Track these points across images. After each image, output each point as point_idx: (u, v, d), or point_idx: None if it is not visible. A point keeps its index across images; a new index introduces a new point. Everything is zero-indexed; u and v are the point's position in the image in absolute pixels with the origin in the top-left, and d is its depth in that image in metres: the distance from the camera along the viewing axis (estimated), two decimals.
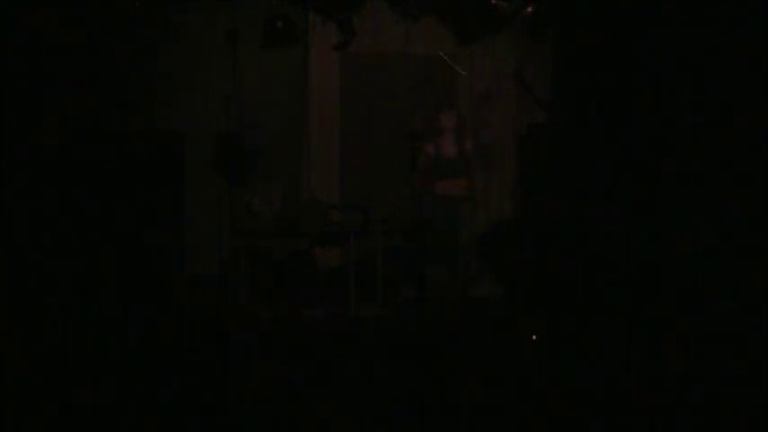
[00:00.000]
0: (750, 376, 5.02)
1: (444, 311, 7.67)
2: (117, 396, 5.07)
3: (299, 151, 8.86)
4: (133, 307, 6.82)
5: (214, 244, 8.10)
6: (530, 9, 7.43)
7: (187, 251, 7.95)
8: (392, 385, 5.48)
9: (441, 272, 8.33)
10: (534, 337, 6.32)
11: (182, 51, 8.46)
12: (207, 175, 8.30)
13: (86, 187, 6.83)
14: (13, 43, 5.94)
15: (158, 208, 7.66)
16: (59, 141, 6.49)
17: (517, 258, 8.00)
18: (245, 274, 7.90)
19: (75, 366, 5.47)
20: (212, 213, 8.31)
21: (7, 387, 5.02)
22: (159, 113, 8.31)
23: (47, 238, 6.22)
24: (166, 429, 4.77)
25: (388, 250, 7.93)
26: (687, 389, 5.10)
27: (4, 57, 5.86)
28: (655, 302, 6.33)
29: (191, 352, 6.06)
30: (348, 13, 7.89)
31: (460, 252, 8.66)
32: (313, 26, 8.68)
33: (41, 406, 4.83)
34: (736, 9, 5.68)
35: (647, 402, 4.96)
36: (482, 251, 8.42)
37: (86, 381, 5.27)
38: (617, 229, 7.11)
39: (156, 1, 7.77)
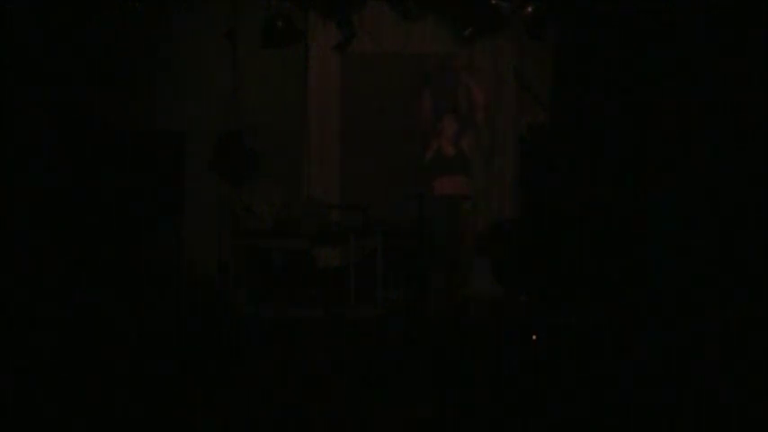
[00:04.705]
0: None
1: (444, 311, 7.67)
2: (117, 394, 5.07)
3: (300, 151, 8.86)
4: (133, 306, 6.83)
5: (214, 244, 8.11)
6: (529, 9, 7.43)
7: (187, 251, 7.97)
8: (392, 385, 5.49)
9: (441, 272, 8.33)
10: (534, 337, 6.32)
11: (182, 51, 8.46)
12: (207, 175, 8.32)
13: (87, 188, 6.84)
14: (12, 44, 5.95)
15: (159, 208, 7.68)
16: (60, 142, 6.50)
17: (517, 257, 8.01)
18: (245, 274, 7.90)
19: (76, 365, 5.48)
20: (212, 213, 8.32)
21: (8, 386, 5.02)
22: (159, 114, 8.32)
23: (47, 239, 6.23)
24: (166, 427, 4.78)
25: (387, 250, 7.93)
26: (685, 384, 5.11)
27: (4, 59, 5.86)
28: (655, 299, 6.34)
29: (190, 351, 6.06)
30: (348, 13, 7.90)
31: (461, 252, 8.66)
32: (313, 26, 8.69)
33: (41, 405, 4.84)
34: (734, 8, 5.69)
35: (649, 399, 4.97)
36: (482, 250, 8.42)
37: (86, 379, 5.27)
38: (616, 226, 7.12)
39: (156, 1, 7.77)
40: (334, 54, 8.45)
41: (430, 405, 5.10)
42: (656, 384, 5.21)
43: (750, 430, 4.63)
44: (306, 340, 6.64)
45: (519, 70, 8.56)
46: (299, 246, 7.88)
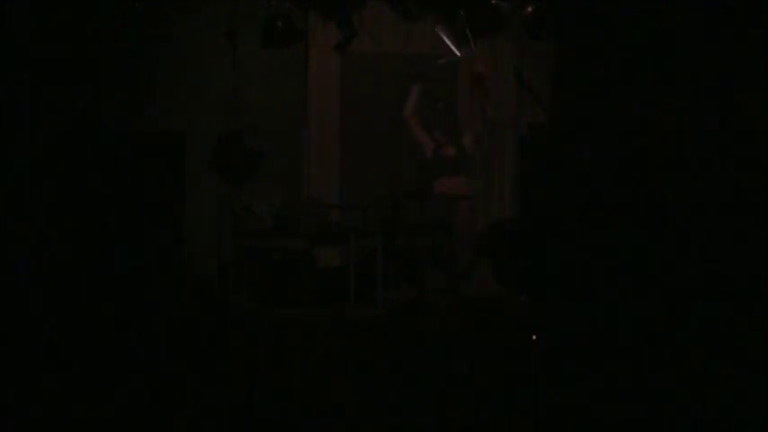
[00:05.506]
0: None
1: (444, 312, 7.67)
2: (116, 394, 5.08)
3: (299, 151, 8.86)
4: (133, 306, 6.82)
5: (214, 244, 8.11)
6: (529, 9, 7.43)
7: (188, 251, 7.97)
8: (392, 385, 5.49)
9: (440, 272, 8.33)
10: (534, 337, 6.32)
11: (182, 51, 8.46)
12: (207, 175, 8.31)
13: (88, 188, 6.84)
14: (12, 44, 5.95)
15: (159, 209, 7.67)
16: (60, 142, 6.50)
17: (516, 257, 8.01)
18: (246, 274, 7.90)
19: (75, 365, 5.48)
20: (213, 214, 8.32)
21: (8, 385, 5.03)
22: (159, 114, 8.31)
23: (46, 239, 6.22)
24: (166, 427, 4.78)
25: (387, 250, 7.93)
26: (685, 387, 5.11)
27: (4, 59, 5.86)
28: (655, 297, 6.34)
29: (190, 351, 6.07)
30: (348, 13, 7.90)
31: (460, 252, 8.66)
32: (313, 26, 8.69)
33: (40, 405, 4.84)
34: (734, 8, 5.70)
35: (651, 398, 4.97)
36: (482, 250, 8.42)
37: (85, 379, 5.28)
38: (616, 226, 7.12)
39: (156, 1, 7.77)
40: (335, 54, 8.45)
41: (430, 405, 5.10)
42: (657, 385, 5.21)
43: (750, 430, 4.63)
44: (306, 340, 6.64)
45: (519, 70, 8.56)
46: (299, 246, 7.88)
